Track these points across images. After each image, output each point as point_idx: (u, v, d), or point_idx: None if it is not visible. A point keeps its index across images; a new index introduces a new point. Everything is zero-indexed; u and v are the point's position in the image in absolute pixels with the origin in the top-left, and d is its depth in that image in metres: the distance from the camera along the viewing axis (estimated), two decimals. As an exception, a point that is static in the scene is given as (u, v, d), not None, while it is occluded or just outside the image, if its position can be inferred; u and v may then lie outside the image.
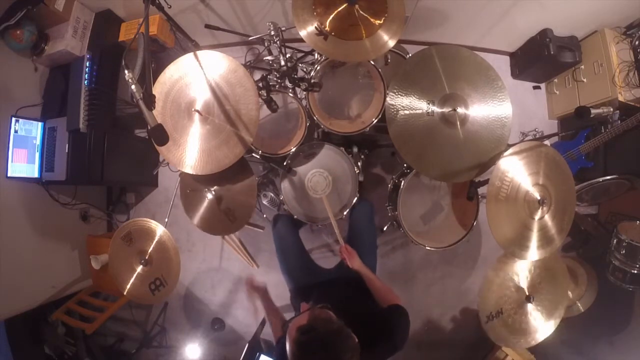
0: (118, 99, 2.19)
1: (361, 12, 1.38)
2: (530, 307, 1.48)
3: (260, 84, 1.50)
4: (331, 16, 1.38)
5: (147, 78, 1.09)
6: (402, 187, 1.74)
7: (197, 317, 2.65)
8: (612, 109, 1.99)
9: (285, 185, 1.87)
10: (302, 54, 2.16)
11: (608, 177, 2.05)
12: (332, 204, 1.84)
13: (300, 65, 2.04)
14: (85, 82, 1.99)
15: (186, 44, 1.85)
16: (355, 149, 2.08)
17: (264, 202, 2.38)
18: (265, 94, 1.49)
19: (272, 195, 2.36)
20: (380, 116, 1.69)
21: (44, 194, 2.17)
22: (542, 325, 1.51)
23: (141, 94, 1.02)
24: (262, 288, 1.50)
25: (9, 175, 1.94)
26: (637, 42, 2.00)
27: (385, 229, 2.32)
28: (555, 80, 2.50)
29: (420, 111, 1.38)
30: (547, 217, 1.36)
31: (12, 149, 1.95)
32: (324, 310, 0.97)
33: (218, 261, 2.64)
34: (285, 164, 1.81)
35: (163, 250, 1.54)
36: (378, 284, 1.37)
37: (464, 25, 2.27)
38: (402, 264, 2.52)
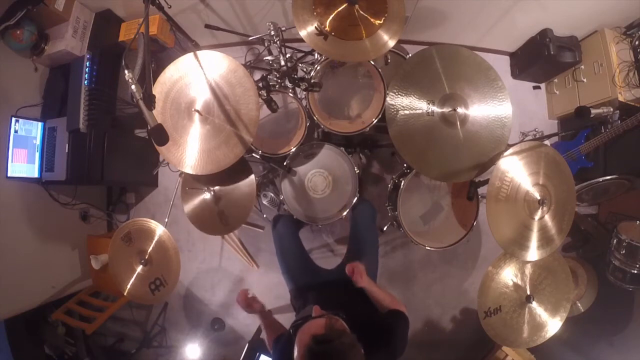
0: (118, 99, 2.19)
1: (361, 12, 1.38)
2: (530, 307, 1.48)
3: (260, 84, 1.49)
4: (331, 16, 1.37)
5: (147, 78, 1.09)
6: (402, 187, 1.74)
7: (197, 317, 2.65)
8: (612, 109, 2.00)
9: (285, 185, 1.87)
10: (302, 54, 2.16)
11: (608, 177, 2.04)
12: (332, 204, 1.85)
13: (300, 65, 2.03)
14: (85, 82, 1.99)
15: (186, 44, 1.85)
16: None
17: (264, 202, 2.38)
18: (265, 94, 1.49)
19: (272, 195, 2.36)
20: (380, 116, 1.69)
21: (44, 194, 2.17)
22: (542, 327, 1.50)
23: (141, 94, 1.01)
24: (257, 304, 1.45)
25: (9, 175, 1.94)
26: (637, 42, 2.00)
27: (385, 229, 2.31)
28: (555, 80, 2.49)
29: (420, 111, 1.38)
30: (547, 217, 1.36)
31: (12, 149, 1.95)
32: (339, 321, 0.96)
33: (218, 261, 2.64)
34: (285, 164, 1.81)
35: (163, 250, 1.54)
36: (382, 296, 1.29)
37: (464, 25, 2.27)
38: (402, 264, 2.52)
